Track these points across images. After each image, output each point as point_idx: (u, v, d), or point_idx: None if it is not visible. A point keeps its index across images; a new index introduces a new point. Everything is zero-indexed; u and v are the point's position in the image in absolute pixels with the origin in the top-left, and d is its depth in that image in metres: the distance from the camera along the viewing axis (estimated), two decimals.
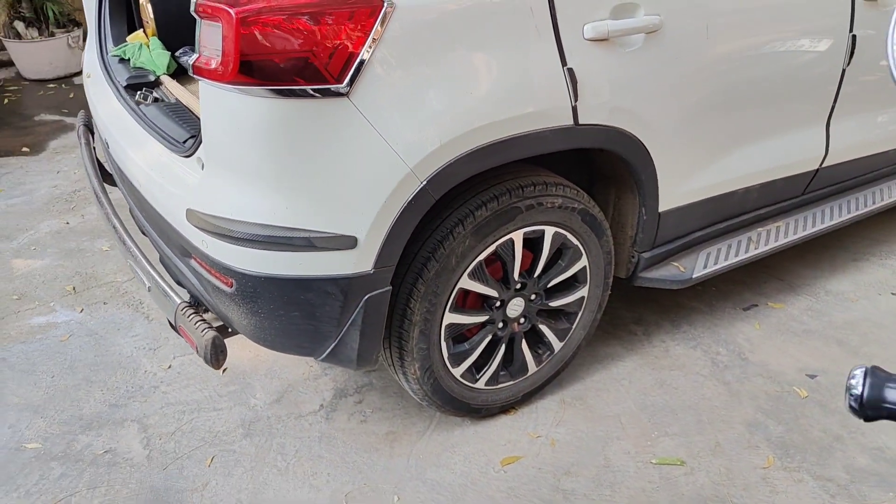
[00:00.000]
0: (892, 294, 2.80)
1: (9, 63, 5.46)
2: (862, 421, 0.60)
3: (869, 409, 0.58)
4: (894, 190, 2.83)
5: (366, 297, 1.70)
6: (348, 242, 1.61)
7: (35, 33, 5.05)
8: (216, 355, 1.68)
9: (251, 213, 1.59)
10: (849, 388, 0.59)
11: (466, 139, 1.63)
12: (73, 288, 2.85)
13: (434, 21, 1.55)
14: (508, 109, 1.67)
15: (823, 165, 2.53)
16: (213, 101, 1.55)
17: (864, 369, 0.59)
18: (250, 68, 1.43)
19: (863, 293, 2.82)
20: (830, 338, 2.57)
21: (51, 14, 5.00)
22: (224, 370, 2.39)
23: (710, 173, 2.20)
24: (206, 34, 1.49)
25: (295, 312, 1.68)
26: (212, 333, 1.68)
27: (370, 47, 1.48)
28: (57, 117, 4.62)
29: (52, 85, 5.20)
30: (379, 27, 1.48)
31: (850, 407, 0.59)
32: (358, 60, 1.48)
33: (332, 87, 1.47)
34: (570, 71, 1.73)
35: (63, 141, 4.27)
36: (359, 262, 1.65)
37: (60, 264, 3.01)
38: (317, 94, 1.47)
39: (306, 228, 1.58)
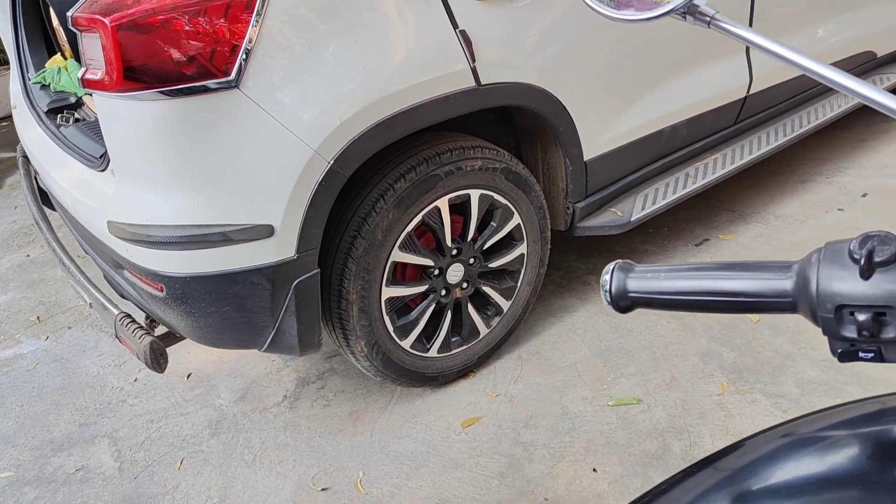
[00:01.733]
0: (839, 210, 2.84)
1: None
2: (618, 313, 0.63)
3: (619, 300, 0.62)
4: (827, 108, 2.85)
5: (295, 282, 1.73)
6: (265, 231, 1.64)
7: None
8: (156, 359, 1.71)
9: (164, 216, 1.61)
10: (602, 285, 0.62)
11: (367, 113, 1.66)
12: (38, 317, 2.88)
13: (316, 0, 1.57)
14: (405, 79, 1.69)
15: (751, 93, 2.55)
16: (108, 111, 1.58)
17: (613, 264, 0.63)
18: (135, 74, 1.46)
19: (811, 213, 2.85)
20: None
21: None
22: (188, 376, 2.43)
23: (630, 116, 2.22)
24: (87, 46, 1.51)
25: (226, 307, 1.72)
26: (149, 339, 1.72)
27: (253, 36, 1.50)
28: (10, 154, 4.63)
29: (4, 123, 5.21)
30: (258, 15, 1.50)
31: (605, 300, 0.62)
32: (242, 51, 1.50)
33: (221, 80, 1.50)
34: (463, 33, 1.75)
35: (18, 177, 4.27)
36: (280, 249, 1.67)
37: (24, 296, 3.04)
38: (207, 90, 1.50)
39: (220, 223, 1.61)
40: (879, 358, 0.53)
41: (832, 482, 0.56)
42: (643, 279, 0.61)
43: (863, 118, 3.43)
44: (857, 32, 2.86)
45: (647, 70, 2.20)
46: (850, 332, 0.53)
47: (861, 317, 0.51)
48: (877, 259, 0.51)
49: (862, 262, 0.51)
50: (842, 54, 2.83)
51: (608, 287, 0.62)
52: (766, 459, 0.60)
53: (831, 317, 0.53)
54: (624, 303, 0.62)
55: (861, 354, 0.54)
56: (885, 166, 3.11)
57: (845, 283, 0.52)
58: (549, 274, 2.64)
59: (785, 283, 0.56)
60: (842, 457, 0.58)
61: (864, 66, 2.98)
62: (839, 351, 0.55)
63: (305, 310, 1.78)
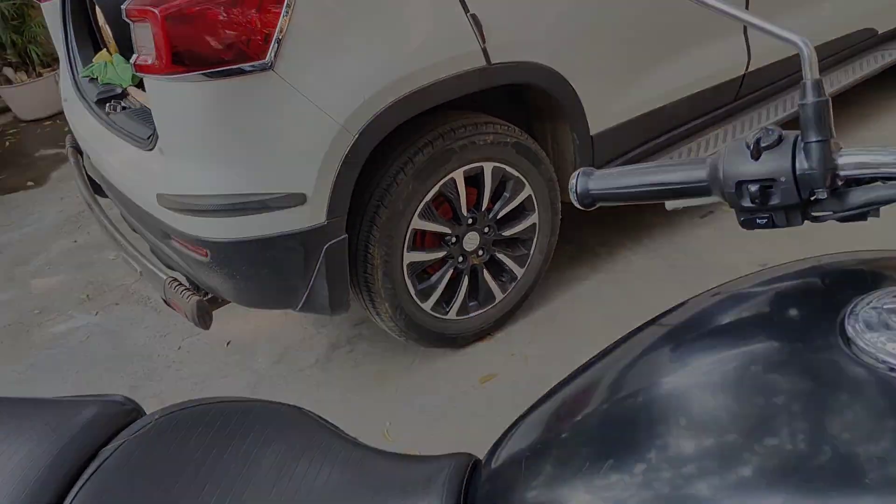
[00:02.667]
0: None
1: (5, 109, 5.74)
2: (584, 209, 0.80)
3: (583, 198, 0.79)
4: (827, 85, 2.97)
5: (325, 246, 1.92)
6: (299, 199, 1.82)
7: (24, 76, 5.33)
8: (202, 317, 1.91)
9: (209, 187, 1.81)
10: (570, 188, 0.80)
11: (388, 91, 1.84)
12: (87, 296, 3.11)
13: None
14: (421, 60, 1.87)
15: (749, 70, 2.69)
16: (157, 92, 1.78)
17: (578, 171, 0.80)
18: (181, 58, 1.65)
19: None
20: (781, 231, 2.73)
21: (35, 56, 5.27)
22: (228, 343, 2.63)
23: (633, 93, 2.37)
24: (139, 35, 1.71)
25: (265, 270, 1.91)
26: (195, 298, 1.92)
27: (283, 25, 1.69)
28: (55, 150, 4.89)
29: (48, 122, 5.48)
30: (288, 7, 1.69)
31: (574, 200, 0.80)
32: (276, 37, 1.69)
33: (256, 63, 1.69)
34: (474, 16, 1.92)
35: (64, 171, 4.54)
36: (312, 215, 1.86)
37: (74, 277, 3.28)
38: (244, 72, 1.69)
39: (259, 192, 1.80)
40: (771, 223, 0.70)
41: (747, 327, 0.72)
42: (601, 179, 0.78)
43: (865, 93, 3.53)
44: (857, 10, 2.98)
45: (649, 50, 2.35)
46: (747, 203, 0.69)
47: (752, 188, 0.68)
48: (763, 144, 0.68)
49: (752, 147, 0.68)
50: (843, 31, 2.95)
51: (575, 189, 0.79)
52: (702, 314, 0.76)
53: (733, 192, 0.70)
54: (587, 200, 0.79)
55: (758, 221, 0.71)
56: (889, 139, 3.22)
57: (742, 166, 0.69)
58: (561, 246, 2.79)
59: (702, 172, 0.73)
60: (760, 305, 0.75)
61: (865, 42, 3.09)
62: (742, 220, 0.72)
63: (335, 272, 1.97)
